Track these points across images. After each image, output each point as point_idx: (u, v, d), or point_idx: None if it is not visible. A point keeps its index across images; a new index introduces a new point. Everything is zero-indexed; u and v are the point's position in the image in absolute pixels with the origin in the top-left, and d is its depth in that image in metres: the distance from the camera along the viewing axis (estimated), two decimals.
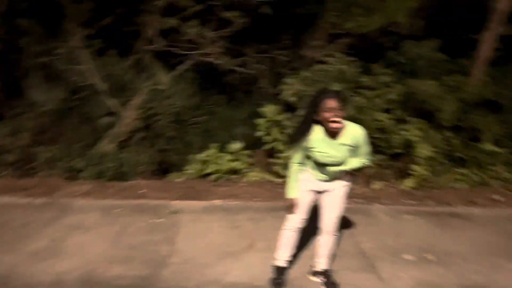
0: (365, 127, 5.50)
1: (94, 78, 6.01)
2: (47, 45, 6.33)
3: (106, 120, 6.24)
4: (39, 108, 6.12)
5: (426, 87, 5.90)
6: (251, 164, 5.80)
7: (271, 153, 5.84)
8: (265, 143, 5.68)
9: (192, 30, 5.95)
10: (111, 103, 6.08)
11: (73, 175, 5.35)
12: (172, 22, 6.00)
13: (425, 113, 5.94)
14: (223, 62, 6.15)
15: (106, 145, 5.89)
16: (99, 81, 6.05)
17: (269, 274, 3.09)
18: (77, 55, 6.09)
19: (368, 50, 6.55)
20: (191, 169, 5.63)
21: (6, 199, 4.32)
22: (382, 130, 5.76)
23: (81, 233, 3.63)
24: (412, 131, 5.64)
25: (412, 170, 5.49)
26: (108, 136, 6.00)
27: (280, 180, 5.51)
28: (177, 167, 5.84)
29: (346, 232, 3.89)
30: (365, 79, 5.98)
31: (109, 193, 4.68)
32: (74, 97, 6.30)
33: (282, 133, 5.60)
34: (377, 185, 5.38)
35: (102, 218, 3.95)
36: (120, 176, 5.46)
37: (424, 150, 5.49)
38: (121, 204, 4.32)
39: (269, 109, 5.58)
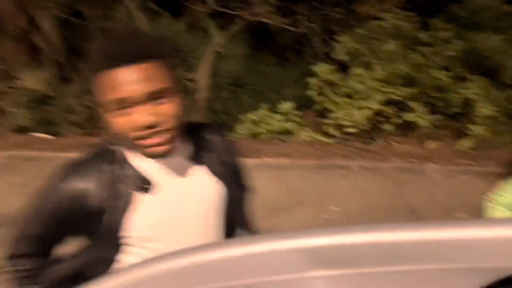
0: (422, 85, 5.40)
1: None
2: (106, 9, 6.61)
3: None
4: None
5: (489, 42, 5.55)
6: (302, 124, 5.85)
7: (322, 113, 5.84)
8: (316, 103, 5.68)
9: None
10: None
11: None
12: None
13: (487, 70, 5.62)
14: (274, 21, 6.11)
15: None
16: None
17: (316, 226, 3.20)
18: (134, 18, 6.31)
19: (427, 4, 6.21)
20: (243, 129, 5.78)
21: (75, 155, 4.71)
22: (440, 88, 5.55)
23: None
24: (473, 89, 5.39)
25: (470, 130, 5.29)
26: None
27: (330, 140, 5.54)
28: (230, 127, 6.03)
29: (395, 190, 3.89)
30: (422, 35, 5.72)
31: None
32: None
33: (334, 93, 5.56)
34: (431, 144, 5.26)
35: None
36: None
37: (484, 109, 5.25)
38: None
39: (321, 69, 5.53)
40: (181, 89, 0.93)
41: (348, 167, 4.44)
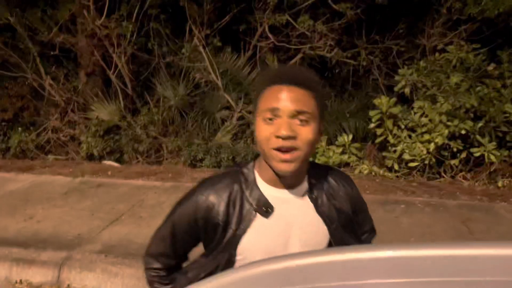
0: (491, 119, 5.15)
1: (213, 74, 6.49)
2: (173, 45, 7.02)
3: (223, 113, 6.71)
4: (165, 103, 6.82)
5: None
6: (361, 157, 5.74)
7: (384, 146, 5.70)
8: (377, 136, 5.58)
9: (303, 24, 6.07)
10: (228, 97, 6.50)
11: (194, 163, 5.88)
12: (284, 18, 6.20)
13: None
14: (334, 54, 6.16)
15: (223, 137, 6.33)
16: (217, 77, 6.52)
17: None
18: (198, 53, 6.64)
19: (495, 36, 5.99)
20: None
21: (140, 181, 4.94)
22: (510, 123, 5.25)
23: None
24: None
25: None
26: (224, 129, 6.44)
27: (391, 174, 5.37)
28: None
29: (463, 228, 3.67)
30: (491, 68, 5.50)
31: None
32: (195, 92, 6.89)
33: (396, 126, 5.43)
34: (501, 182, 4.94)
35: None
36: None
37: None
38: None
39: (382, 101, 5.45)
40: (321, 121, 1.07)
41: (412, 203, 4.27)
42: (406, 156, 5.25)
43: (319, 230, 1.11)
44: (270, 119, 1.00)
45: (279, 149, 0.99)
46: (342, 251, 0.63)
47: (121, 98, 6.97)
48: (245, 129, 6.54)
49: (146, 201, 4.30)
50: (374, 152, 5.90)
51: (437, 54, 5.83)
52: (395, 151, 5.38)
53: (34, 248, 3.25)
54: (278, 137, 0.99)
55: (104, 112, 6.80)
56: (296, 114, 0.99)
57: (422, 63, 5.80)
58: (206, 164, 5.80)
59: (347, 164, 5.64)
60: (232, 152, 5.87)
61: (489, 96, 5.28)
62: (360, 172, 5.42)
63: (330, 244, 1.12)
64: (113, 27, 6.49)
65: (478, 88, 5.35)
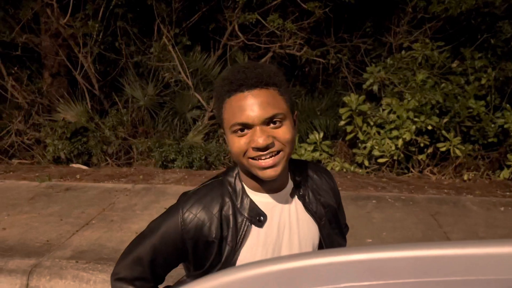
0: (456, 115, 5.32)
1: (183, 74, 6.41)
2: (141, 45, 6.90)
3: (194, 113, 6.65)
4: (134, 103, 6.69)
5: None
6: (332, 154, 5.82)
7: (353, 143, 5.80)
8: (347, 133, 5.66)
9: (273, 23, 6.08)
10: (198, 97, 6.44)
11: (166, 164, 5.80)
12: (253, 16, 6.19)
13: None
14: (303, 53, 6.21)
15: (194, 137, 6.27)
16: (187, 77, 6.44)
17: None
18: (167, 53, 6.54)
19: (458, 34, 6.19)
20: None
21: (110, 184, 4.82)
22: (474, 118, 5.45)
23: None
24: (509, 118, 5.26)
25: (509, 161, 5.14)
26: (195, 129, 6.38)
27: (362, 170, 5.47)
28: None
29: (433, 222, 3.78)
30: (454, 65, 5.69)
31: (198, 180, 5.01)
32: (165, 92, 6.79)
33: (365, 122, 5.53)
34: (467, 175, 5.12)
35: None
36: (206, 165, 5.81)
37: None
38: None
39: (351, 99, 5.54)
40: (293, 115, 1.01)
41: (382, 198, 4.36)
42: (375, 152, 5.36)
43: (311, 228, 1.08)
44: (242, 131, 0.93)
45: (259, 158, 0.93)
46: (314, 255, 0.63)
47: (88, 99, 6.79)
48: (216, 129, 6.50)
49: (117, 204, 4.20)
50: (344, 149, 6.00)
51: (403, 52, 5.98)
52: (365, 148, 5.48)
53: (1, 257, 3.12)
54: (255, 148, 0.92)
55: (71, 113, 6.61)
56: (268, 121, 0.93)
57: (389, 61, 5.93)
58: (178, 164, 5.73)
59: (318, 162, 5.70)
60: (204, 152, 5.83)
61: (454, 92, 5.46)
62: (331, 169, 5.49)
63: (320, 242, 1.10)
64: (78, 26, 6.30)
65: (443, 85, 5.53)
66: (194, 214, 1.00)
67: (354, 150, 5.68)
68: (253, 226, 1.01)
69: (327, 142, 5.83)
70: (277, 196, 1.04)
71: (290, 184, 1.08)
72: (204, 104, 6.45)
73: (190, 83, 6.38)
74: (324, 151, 5.73)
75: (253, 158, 0.94)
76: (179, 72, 6.40)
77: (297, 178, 1.10)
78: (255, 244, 1.01)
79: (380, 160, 5.40)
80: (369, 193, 4.52)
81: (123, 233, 3.53)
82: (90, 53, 6.68)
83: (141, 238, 1.06)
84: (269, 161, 0.93)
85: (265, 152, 0.92)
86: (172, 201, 3.96)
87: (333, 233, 1.12)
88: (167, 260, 1.05)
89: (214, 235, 0.99)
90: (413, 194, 4.50)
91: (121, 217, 3.87)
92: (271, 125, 0.93)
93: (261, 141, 0.90)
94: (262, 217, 1.02)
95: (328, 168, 5.50)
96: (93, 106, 6.89)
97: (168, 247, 1.02)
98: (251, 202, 1.02)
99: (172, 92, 6.77)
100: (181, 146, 5.93)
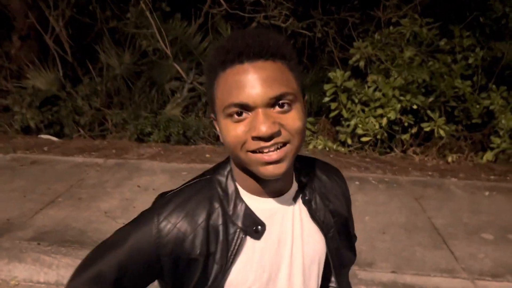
0: (441, 95, 5.20)
1: (161, 42, 6.06)
2: (117, 9, 6.48)
3: (172, 84, 6.34)
4: (110, 72, 6.33)
5: None
6: (315, 132, 5.66)
7: (337, 120, 5.64)
8: (331, 110, 5.48)
9: None
10: (177, 67, 6.13)
11: (141, 138, 5.54)
12: None
13: (511, 80, 5.40)
14: (289, 24, 5.93)
15: (172, 110, 6.00)
16: (166, 46, 6.10)
17: None
18: (145, 19, 6.16)
19: (448, 11, 6.00)
20: None
21: (80, 158, 4.56)
22: (459, 98, 5.34)
23: (151, 194, 3.75)
24: (495, 99, 5.16)
25: (492, 143, 5.07)
26: (174, 101, 6.10)
27: (344, 149, 5.33)
28: None
29: (417, 206, 3.68)
30: (442, 43, 5.52)
31: (175, 156, 4.78)
32: (142, 61, 6.45)
33: (350, 100, 5.35)
34: (451, 157, 5.04)
35: (170, 180, 4.05)
36: (185, 140, 5.57)
37: (507, 121, 5.02)
38: (187, 168, 4.40)
39: (336, 75, 5.33)
40: (304, 99, 0.77)
41: (366, 180, 4.24)
42: (359, 131, 5.21)
43: (317, 241, 0.87)
44: (239, 114, 0.70)
45: (260, 151, 0.71)
46: None
47: (60, 66, 6.41)
48: (196, 102, 6.23)
49: (87, 180, 3.95)
50: (328, 127, 5.84)
51: (391, 27, 5.76)
52: (348, 126, 5.32)
53: None
54: (256, 138, 0.70)
55: (41, 80, 6.23)
56: (274, 102, 0.70)
57: (376, 36, 5.71)
58: (154, 138, 5.47)
59: None
60: (182, 126, 5.58)
61: (440, 71, 5.31)
62: (314, 147, 5.33)
63: (326, 257, 0.90)
64: None
65: (430, 63, 5.37)
66: (173, 224, 0.77)
67: (338, 128, 5.52)
68: (248, 237, 0.80)
69: (311, 119, 5.65)
70: (279, 200, 0.83)
71: (295, 186, 0.86)
72: (184, 75, 6.15)
73: (169, 52, 6.05)
74: (307, 128, 5.54)
75: (253, 152, 0.71)
76: (158, 40, 6.05)
77: (303, 179, 0.88)
78: (251, 261, 0.80)
79: (364, 139, 5.26)
80: (352, 173, 4.39)
81: (91, 212, 3.31)
82: (62, 16, 6.26)
83: (104, 249, 0.83)
84: (273, 155, 0.71)
85: (268, 144, 0.70)
86: (146, 178, 3.73)
87: (341, 246, 0.92)
88: (136, 281, 0.82)
89: (198, 251, 0.78)
90: (397, 176, 4.39)
91: (90, 194, 3.63)
92: (277, 108, 0.71)
93: (264, 128, 0.68)
94: (259, 227, 0.80)
95: (311, 146, 5.34)
96: (66, 74, 6.52)
97: (138, 265, 0.79)
98: (246, 208, 0.80)
99: (150, 61, 6.43)
100: (158, 119, 5.66)
